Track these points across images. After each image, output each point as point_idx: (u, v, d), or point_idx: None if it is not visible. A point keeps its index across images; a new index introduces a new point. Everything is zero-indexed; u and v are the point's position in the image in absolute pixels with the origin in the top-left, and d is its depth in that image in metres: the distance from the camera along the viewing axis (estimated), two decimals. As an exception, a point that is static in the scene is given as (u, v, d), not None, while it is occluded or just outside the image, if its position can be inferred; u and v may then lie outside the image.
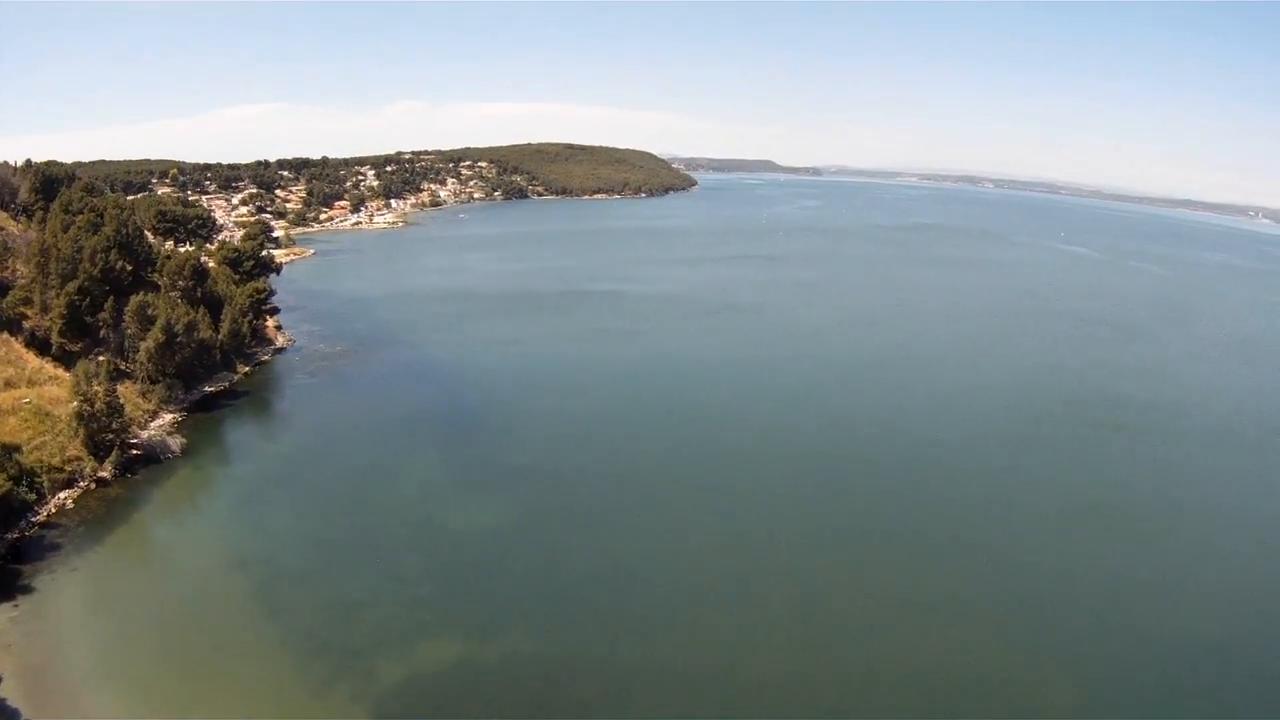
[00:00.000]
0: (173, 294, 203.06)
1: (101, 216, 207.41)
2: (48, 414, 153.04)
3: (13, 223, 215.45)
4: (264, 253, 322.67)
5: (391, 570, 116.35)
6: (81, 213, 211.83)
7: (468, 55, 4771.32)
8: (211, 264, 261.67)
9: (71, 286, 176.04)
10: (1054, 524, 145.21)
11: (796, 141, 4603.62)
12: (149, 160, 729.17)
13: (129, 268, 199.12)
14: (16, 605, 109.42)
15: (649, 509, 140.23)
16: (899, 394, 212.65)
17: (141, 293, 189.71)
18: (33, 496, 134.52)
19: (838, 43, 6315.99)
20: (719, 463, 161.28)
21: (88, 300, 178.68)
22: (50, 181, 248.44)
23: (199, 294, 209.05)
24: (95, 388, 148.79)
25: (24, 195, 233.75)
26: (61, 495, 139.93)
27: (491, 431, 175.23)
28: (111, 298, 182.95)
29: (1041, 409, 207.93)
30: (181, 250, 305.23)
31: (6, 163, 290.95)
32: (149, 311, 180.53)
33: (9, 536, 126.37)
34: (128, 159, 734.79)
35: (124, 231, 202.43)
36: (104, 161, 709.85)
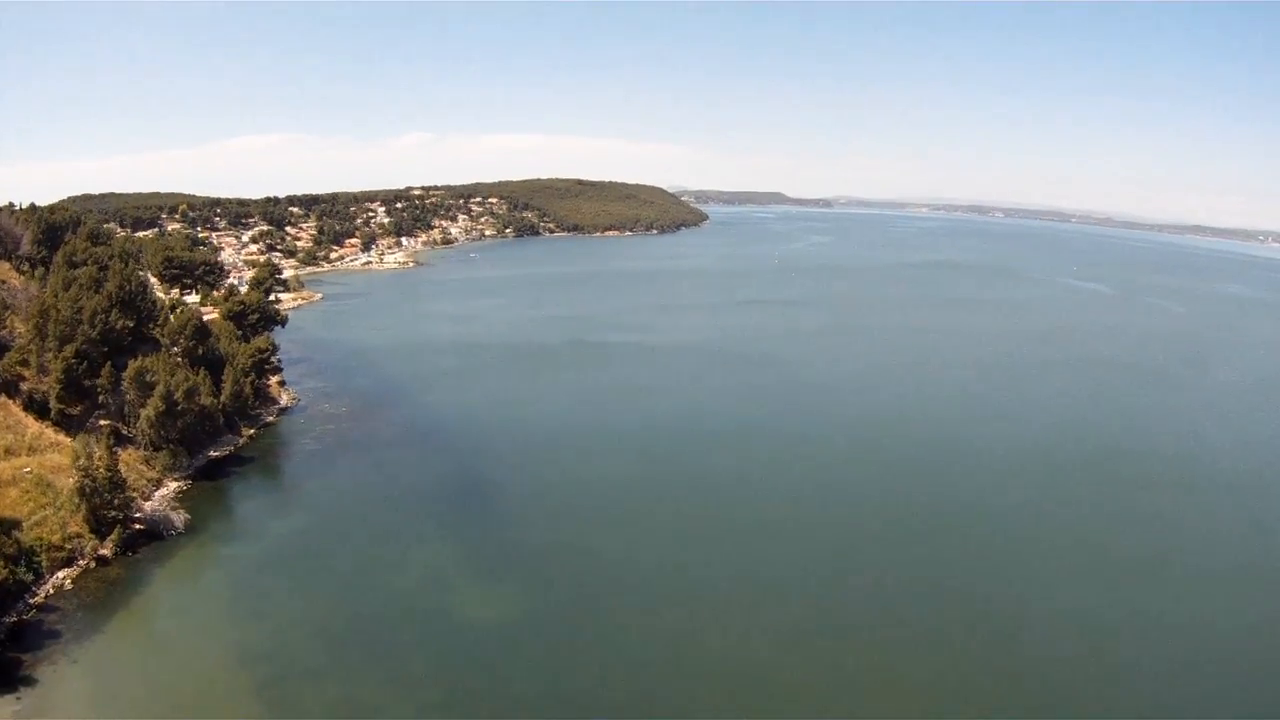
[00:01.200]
0: (174, 353, 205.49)
1: (105, 270, 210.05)
2: (49, 484, 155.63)
3: (15, 275, 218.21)
4: (270, 301, 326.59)
5: (398, 671, 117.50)
6: (85, 264, 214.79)
7: (476, 85, 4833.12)
8: (216, 314, 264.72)
9: (69, 350, 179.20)
10: (1080, 585, 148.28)
11: (806, 172, 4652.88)
12: (159, 194, 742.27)
13: (130, 325, 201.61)
14: (19, 698, 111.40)
15: (666, 599, 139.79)
16: (918, 455, 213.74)
17: (140, 356, 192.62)
18: (30, 577, 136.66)
19: (845, 73, 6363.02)
20: (740, 540, 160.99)
21: (85, 364, 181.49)
22: (53, 230, 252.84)
23: (201, 353, 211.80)
24: (96, 462, 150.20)
25: (26, 247, 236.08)
26: (60, 575, 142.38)
27: (501, 504, 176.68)
28: (109, 364, 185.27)
29: (1063, 466, 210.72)
30: (188, 299, 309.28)
31: (12, 205, 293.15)
32: (148, 378, 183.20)
33: (7, 620, 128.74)
34: (137, 191, 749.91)
35: (126, 288, 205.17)
36: (114, 195, 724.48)
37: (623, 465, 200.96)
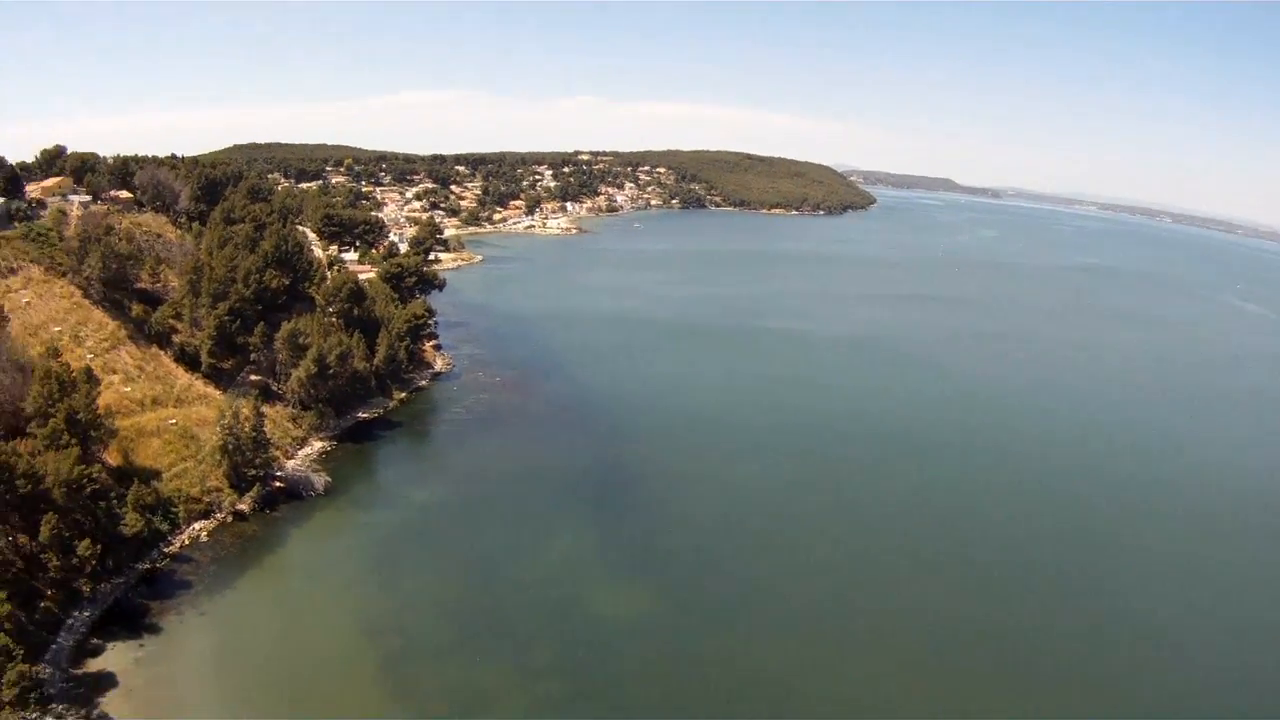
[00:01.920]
0: (328, 315, 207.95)
1: (261, 230, 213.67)
2: (192, 437, 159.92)
3: (171, 228, 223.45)
4: (429, 262, 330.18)
5: (523, 659, 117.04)
6: (242, 221, 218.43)
7: (648, 51, 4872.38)
8: (374, 274, 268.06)
9: (222, 308, 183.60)
10: None
11: (975, 160, 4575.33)
12: (324, 146, 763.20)
13: (285, 284, 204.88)
14: (142, 645, 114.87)
15: (804, 623, 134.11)
16: (1080, 492, 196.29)
17: (294, 317, 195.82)
18: (166, 526, 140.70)
19: (1021, 62, 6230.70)
20: (889, 567, 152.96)
21: (239, 322, 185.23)
22: (212, 185, 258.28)
23: (356, 314, 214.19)
24: (241, 421, 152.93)
25: (185, 203, 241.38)
26: (196, 526, 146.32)
27: (643, 495, 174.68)
28: (262, 323, 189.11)
29: (1232, 519, 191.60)
30: (346, 257, 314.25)
31: (173, 157, 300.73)
32: (301, 340, 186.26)
33: (140, 567, 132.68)
34: (303, 143, 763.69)
35: (282, 248, 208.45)
36: (279, 145, 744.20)
37: (771, 466, 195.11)
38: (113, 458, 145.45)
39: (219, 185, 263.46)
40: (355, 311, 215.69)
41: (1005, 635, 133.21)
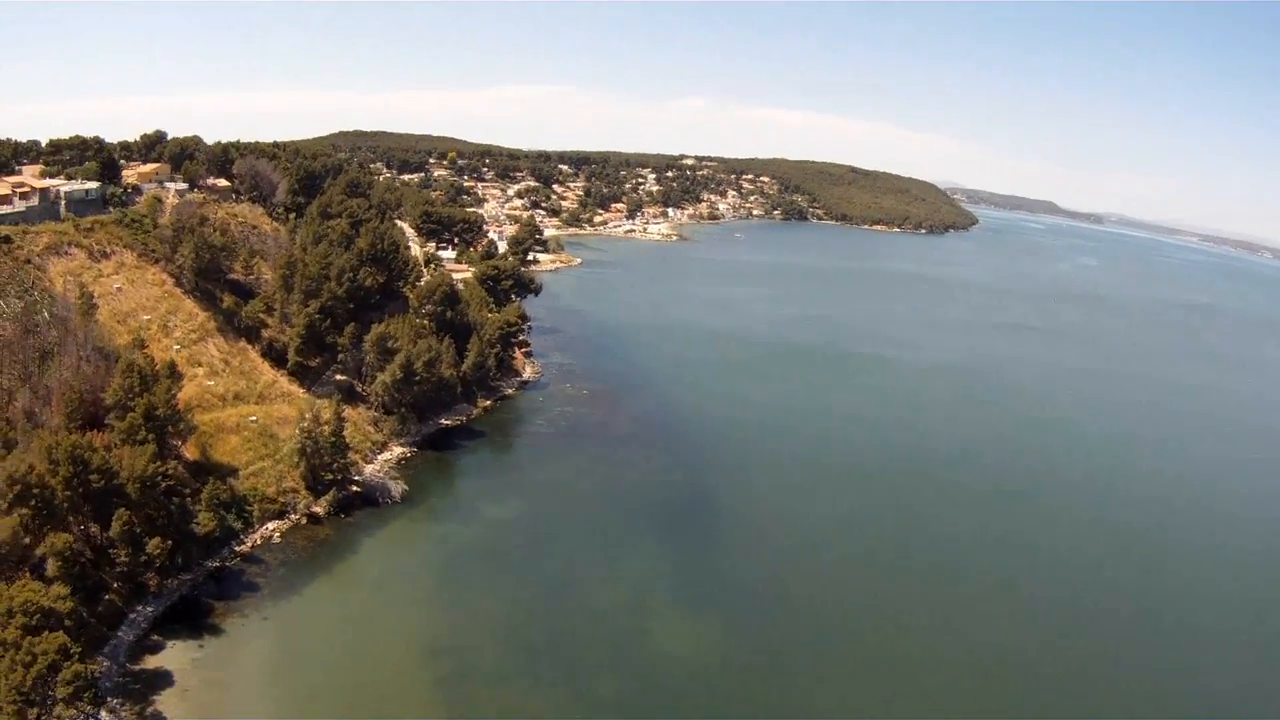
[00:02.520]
0: (420, 317, 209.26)
1: (358, 226, 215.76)
2: (272, 435, 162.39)
3: (266, 220, 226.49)
4: (528, 262, 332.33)
5: (583, 693, 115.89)
6: (339, 216, 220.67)
7: (760, 55, 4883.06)
8: (469, 274, 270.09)
9: (313, 306, 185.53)
10: None
11: (1078, 184, 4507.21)
12: (429, 137, 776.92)
13: (379, 282, 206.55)
14: (202, 646, 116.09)
15: (882, 675, 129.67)
16: (1186, 558, 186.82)
17: (386, 316, 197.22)
18: (239, 525, 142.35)
19: (1130, 87, 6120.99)
20: (979, 623, 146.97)
21: (329, 320, 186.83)
22: (311, 178, 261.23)
23: (448, 318, 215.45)
24: (322, 425, 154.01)
25: (282, 196, 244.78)
26: (270, 526, 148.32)
27: (721, 526, 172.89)
28: (353, 323, 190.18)
29: None
30: (443, 254, 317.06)
31: (275, 147, 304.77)
32: (389, 344, 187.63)
33: (210, 564, 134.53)
34: (408, 133, 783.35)
35: (378, 245, 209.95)
36: (384, 134, 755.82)
37: (853, 499, 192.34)
38: (191, 452, 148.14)
39: (318, 178, 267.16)
40: (448, 315, 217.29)
41: (1110, 692, 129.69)
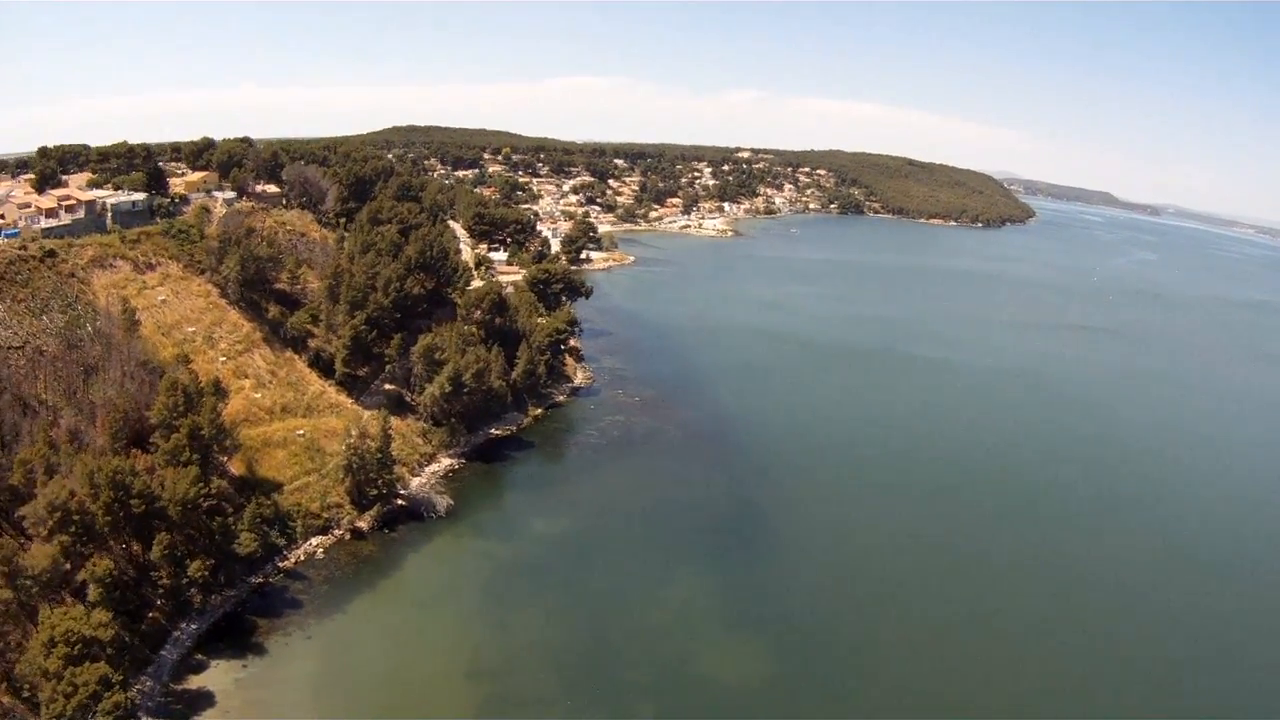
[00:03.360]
0: (469, 324, 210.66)
1: (407, 233, 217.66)
2: (319, 450, 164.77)
3: (315, 227, 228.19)
4: (580, 264, 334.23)
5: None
6: (389, 223, 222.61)
7: (814, 46, 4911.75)
8: (520, 276, 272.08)
9: (359, 319, 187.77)
10: None
11: (1135, 174, 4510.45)
12: (484, 132, 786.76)
13: (427, 288, 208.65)
14: (245, 665, 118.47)
15: (934, 698, 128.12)
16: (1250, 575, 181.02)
17: (434, 325, 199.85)
18: (283, 541, 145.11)
19: (1187, 80, 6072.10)
20: (1033, 655, 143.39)
21: (375, 332, 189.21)
22: (361, 184, 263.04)
23: (497, 325, 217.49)
24: (369, 442, 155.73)
25: (330, 204, 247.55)
26: (314, 541, 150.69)
27: (771, 543, 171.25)
28: (400, 334, 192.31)
29: None
30: (494, 255, 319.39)
31: (325, 157, 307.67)
32: (437, 355, 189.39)
33: (253, 580, 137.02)
34: (462, 127, 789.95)
35: (427, 254, 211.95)
36: (438, 129, 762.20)
37: (903, 515, 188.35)
38: (236, 467, 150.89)
39: (368, 183, 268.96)
40: (497, 321, 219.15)
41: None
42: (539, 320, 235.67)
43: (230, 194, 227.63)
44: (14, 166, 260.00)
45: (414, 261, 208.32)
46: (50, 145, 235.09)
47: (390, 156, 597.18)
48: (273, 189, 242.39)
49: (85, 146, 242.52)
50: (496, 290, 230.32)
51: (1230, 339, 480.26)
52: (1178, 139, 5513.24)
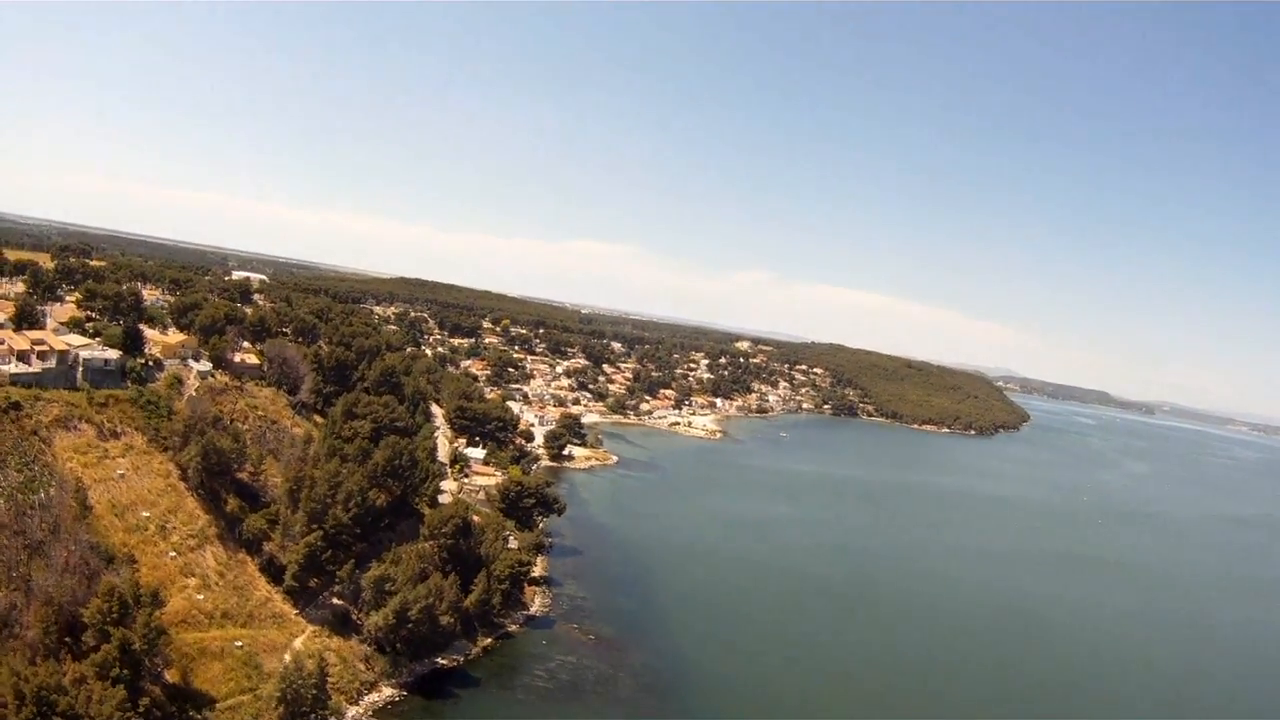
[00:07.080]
0: (432, 540, 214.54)
1: (379, 436, 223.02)
2: (256, 666, 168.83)
3: (287, 413, 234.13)
4: (558, 463, 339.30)
5: None
6: (363, 419, 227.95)
7: (823, 232, 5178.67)
8: (494, 481, 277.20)
9: (315, 536, 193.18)
10: None
11: (1131, 372, 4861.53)
12: (489, 294, 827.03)
13: (394, 494, 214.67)
14: None
15: None
16: None
17: (387, 555, 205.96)
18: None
19: (1184, 280, 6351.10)
20: None
21: (330, 551, 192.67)
22: (342, 368, 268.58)
23: (460, 548, 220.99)
24: (305, 676, 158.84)
25: (304, 395, 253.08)
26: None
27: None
28: (358, 548, 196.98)
29: None
30: (471, 452, 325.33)
31: (316, 315, 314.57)
32: (387, 587, 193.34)
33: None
34: (469, 287, 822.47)
35: (396, 462, 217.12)
36: (445, 285, 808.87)
37: None
38: (172, 675, 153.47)
39: (349, 367, 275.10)
40: (460, 545, 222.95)
41: None
42: (508, 546, 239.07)
43: (206, 365, 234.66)
44: (12, 268, 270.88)
45: (382, 468, 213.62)
46: (68, 243, 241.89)
47: (390, 316, 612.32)
48: (253, 360, 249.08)
49: (84, 262, 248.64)
50: (462, 515, 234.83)
51: (1220, 567, 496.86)
52: (1172, 336, 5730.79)
